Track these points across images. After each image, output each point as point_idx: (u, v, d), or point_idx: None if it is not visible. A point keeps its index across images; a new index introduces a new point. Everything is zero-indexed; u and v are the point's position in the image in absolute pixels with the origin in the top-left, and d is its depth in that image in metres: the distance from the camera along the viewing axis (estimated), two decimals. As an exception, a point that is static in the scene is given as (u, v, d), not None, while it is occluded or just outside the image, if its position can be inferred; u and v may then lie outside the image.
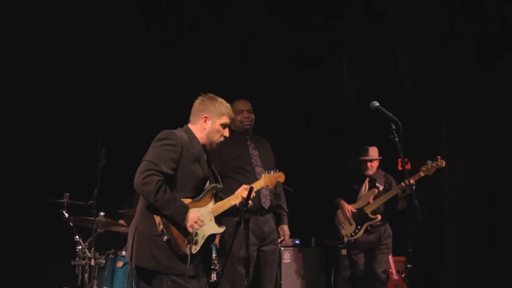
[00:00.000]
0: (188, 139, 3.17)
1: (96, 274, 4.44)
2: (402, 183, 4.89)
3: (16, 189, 5.21)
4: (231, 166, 4.11)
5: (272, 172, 3.60)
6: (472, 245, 5.38)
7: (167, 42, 5.86)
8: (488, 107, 5.42)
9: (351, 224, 5.19)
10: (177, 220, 3.03)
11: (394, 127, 3.28)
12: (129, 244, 3.12)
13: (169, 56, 5.75)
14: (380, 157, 5.23)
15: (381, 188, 5.20)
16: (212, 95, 3.30)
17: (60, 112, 5.44)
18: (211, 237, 3.22)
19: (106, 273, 4.42)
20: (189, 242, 3.06)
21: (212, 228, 3.21)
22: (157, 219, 3.03)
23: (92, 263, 4.41)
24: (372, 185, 5.24)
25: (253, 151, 4.31)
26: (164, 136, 3.13)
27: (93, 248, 4.41)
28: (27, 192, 5.19)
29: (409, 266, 3.69)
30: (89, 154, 4.63)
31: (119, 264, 4.44)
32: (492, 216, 5.30)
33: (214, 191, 3.26)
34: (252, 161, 4.24)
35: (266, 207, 4.17)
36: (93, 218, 4.41)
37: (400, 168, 5.55)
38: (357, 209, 5.19)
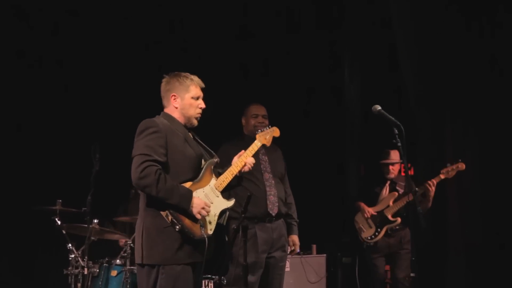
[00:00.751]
0: (168, 122, 3.18)
1: (89, 284, 4.42)
2: (426, 184, 4.91)
3: (6, 195, 5.19)
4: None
5: (264, 130, 3.60)
6: (478, 252, 5.38)
7: (165, 44, 5.87)
8: (495, 110, 5.42)
9: (370, 227, 5.21)
10: (183, 206, 3.02)
11: (396, 131, 3.30)
12: (138, 245, 3.10)
13: (165, 60, 5.75)
14: (401, 161, 5.24)
15: (401, 191, 5.23)
16: (176, 72, 3.30)
17: (52, 115, 5.43)
18: (222, 213, 3.23)
19: (100, 283, 4.41)
20: (202, 226, 3.08)
21: (221, 203, 3.22)
22: (163, 213, 3.03)
23: (85, 272, 4.40)
24: (392, 189, 5.27)
25: (263, 156, 4.33)
26: (145, 125, 3.13)
27: (86, 257, 4.40)
28: (17, 198, 5.18)
29: (412, 275, 3.69)
30: (82, 159, 4.62)
31: (113, 273, 4.43)
32: (499, 222, 5.30)
33: (212, 167, 3.25)
34: (261, 166, 4.26)
35: (274, 214, 4.17)
36: (86, 226, 4.40)
37: (403, 174, 5.56)
38: (377, 212, 5.22)
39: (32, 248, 5.29)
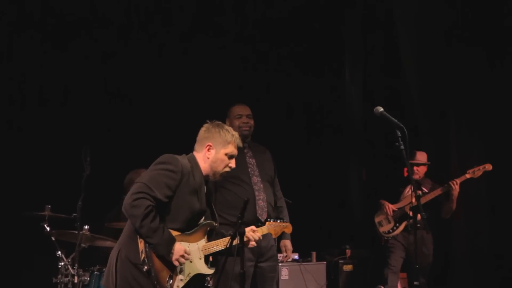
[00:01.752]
0: (190, 167, 3.16)
1: (79, 293, 4.42)
2: (450, 182, 4.98)
3: (-7, 201, 5.19)
4: (225, 176, 4.13)
5: (278, 221, 3.57)
6: (484, 260, 5.40)
7: (159, 45, 5.88)
8: (501, 112, 5.45)
9: (389, 222, 5.29)
10: (160, 251, 3.00)
11: (399, 134, 3.31)
12: (111, 270, 3.10)
13: (158, 60, 5.77)
14: (429, 163, 5.31)
15: (424, 190, 5.27)
16: (218, 122, 3.32)
17: (41, 117, 5.43)
18: (198, 277, 3.16)
19: (91, 292, 4.41)
20: (171, 278, 3.04)
21: (200, 267, 3.17)
22: (141, 246, 3.02)
23: (76, 281, 4.39)
24: (417, 188, 5.26)
25: (250, 159, 4.31)
26: (165, 160, 3.13)
27: (76, 265, 4.38)
28: (4, 204, 5.17)
29: (416, 283, 3.70)
30: (72, 163, 4.62)
31: (105, 281, 4.42)
32: (505, 229, 5.32)
33: (208, 228, 3.25)
34: (249, 170, 4.24)
35: (263, 220, 4.16)
36: (76, 232, 4.39)
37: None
38: (399, 208, 5.30)
39: (20, 256, 5.28)
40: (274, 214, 4.29)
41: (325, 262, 5.77)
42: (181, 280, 3.09)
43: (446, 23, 5.65)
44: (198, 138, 3.30)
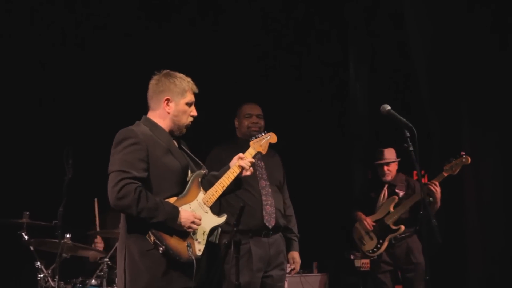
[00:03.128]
0: (150, 131, 3.16)
1: (60, 307, 4.41)
2: (429, 185, 4.88)
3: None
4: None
5: (259, 136, 3.58)
6: (501, 272, 5.40)
7: (145, 42, 5.88)
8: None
9: (371, 239, 5.20)
10: (171, 225, 3.01)
11: (408, 134, 3.31)
12: (120, 270, 3.09)
13: (142, 57, 5.76)
14: (399, 159, 5.24)
15: (401, 194, 5.20)
16: (167, 71, 3.27)
17: (19, 116, 5.41)
18: (213, 230, 3.21)
19: (73, 306, 4.40)
20: (189, 246, 3.06)
21: (211, 220, 3.20)
22: (146, 234, 3.02)
23: (56, 294, 4.39)
24: (391, 192, 5.24)
25: (259, 162, 4.32)
26: (122, 136, 3.10)
27: (57, 276, 4.37)
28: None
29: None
30: (53, 165, 4.61)
31: (88, 294, 4.42)
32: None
33: (199, 179, 3.24)
34: (257, 173, 4.25)
35: (271, 227, 4.16)
36: (57, 241, 4.38)
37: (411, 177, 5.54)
38: (377, 221, 5.19)
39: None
40: (283, 221, 4.29)
41: (326, 274, 5.76)
42: (199, 242, 3.12)
43: (458, 10, 5.65)
44: (149, 94, 3.26)
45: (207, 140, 4.71)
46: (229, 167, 3.33)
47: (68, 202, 4.37)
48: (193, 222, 3.06)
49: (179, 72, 3.30)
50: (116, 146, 3.09)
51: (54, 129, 5.41)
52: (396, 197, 5.17)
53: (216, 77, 5.86)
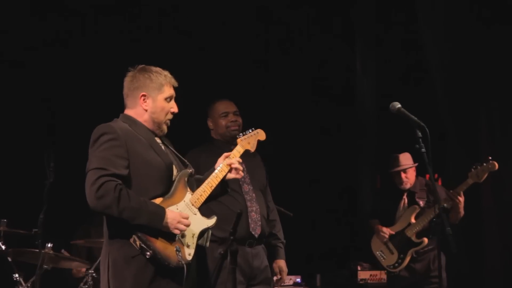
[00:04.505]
0: (129, 126, 3.16)
1: (41, 323, 4.41)
2: (451, 191, 4.87)
3: None
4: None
5: (247, 133, 3.57)
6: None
7: (132, 40, 5.89)
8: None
9: (392, 253, 5.18)
10: (156, 226, 3.00)
11: (420, 134, 3.31)
12: (104, 281, 3.08)
13: (127, 52, 5.76)
14: (416, 164, 5.20)
15: (421, 203, 5.16)
16: (142, 66, 3.27)
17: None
18: (203, 233, 3.21)
19: (54, 322, 4.39)
20: (179, 250, 3.06)
21: (200, 222, 3.20)
22: (131, 239, 3.01)
23: (36, 309, 4.38)
24: (411, 200, 5.21)
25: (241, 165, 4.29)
26: (99, 133, 3.09)
27: (37, 290, 4.38)
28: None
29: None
30: (32, 169, 4.60)
31: (71, 309, 4.42)
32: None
33: (186, 178, 3.24)
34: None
35: (256, 235, 4.15)
36: (37, 251, 4.38)
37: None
38: (397, 233, 5.17)
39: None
40: (268, 229, 4.28)
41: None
42: (188, 246, 3.13)
43: (475, 7, 5.66)
44: (125, 92, 3.26)
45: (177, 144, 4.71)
46: (214, 170, 3.33)
47: (49, 209, 4.37)
48: (179, 222, 3.05)
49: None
50: (93, 144, 3.09)
51: (34, 130, 5.40)
52: (417, 207, 5.13)
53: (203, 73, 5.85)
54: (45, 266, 4.43)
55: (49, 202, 4.37)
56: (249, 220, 4.12)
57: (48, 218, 4.37)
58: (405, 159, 5.24)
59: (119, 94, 3.33)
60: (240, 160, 3.39)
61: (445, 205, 4.81)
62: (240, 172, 3.37)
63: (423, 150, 3.30)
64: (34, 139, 5.25)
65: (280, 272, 4.36)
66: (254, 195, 4.23)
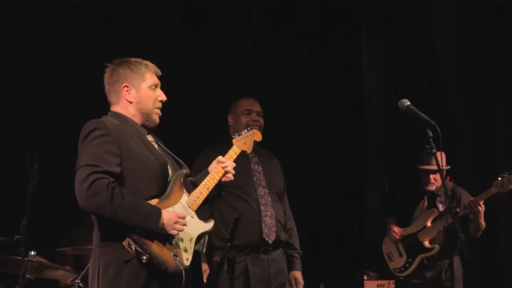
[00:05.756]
0: (119, 122, 3.17)
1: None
2: (472, 205, 4.82)
3: None
4: (224, 185, 4.10)
5: (242, 133, 3.61)
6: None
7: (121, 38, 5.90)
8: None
9: (401, 255, 5.18)
10: (151, 228, 2.99)
11: (431, 134, 3.32)
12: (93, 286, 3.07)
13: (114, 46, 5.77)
14: (448, 167, 5.15)
15: (441, 207, 5.13)
16: (121, 59, 3.29)
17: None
18: (200, 238, 3.21)
19: (38, 335, 4.40)
20: (176, 254, 3.06)
21: (198, 226, 3.21)
22: (125, 242, 3.00)
23: (19, 322, 4.38)
24: (432, 203, 5.18)
25: (256, 166, 4.32)
26: (89, 128, 3.09)
27: (20, 301, 4.38)
28: None
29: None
30: (14, 171, 4.60)
31: (56, 322, 4.42)
32: None
33: (182, 179, 3.24)
34: (254, 179, 4.25)
35: (271, 242, 4.16)
36: (20, 259, 4.38)
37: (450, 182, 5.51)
38: (409, 235, 5.16)
39: None
40: (284, 235, 4.29)
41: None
42: (186, 251, 3.13)
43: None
44: (106, 88, 3.28)
45: (194, 141, 4.72)
46: (208, 172, 3.35)
47: (33, 214, 4.36)
48: (176, 223, 3.05)
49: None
50: (83, 140, 3.08)
51: (16, 129, 5.40)
52: (436, 210, 5.10)
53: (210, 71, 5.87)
54: (28, 276, 4.42)
55: (33, 206, 4.36)
56: (263, 225, 4.14)
57: (32, 224, 4.36)
58: (440, 159, 5.21)
59: (104, 93, 3.34)
60: (235, 165, 3.40)
61: (457, 209, 4.81)
62: (231, 176, 3.37)
63: (434, 150, 3.30)
64: (16, 138, 5.25)
65: (296, 284, 4.38)
66: (269, 199, 4.25)
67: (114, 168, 3.02)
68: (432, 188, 5.18)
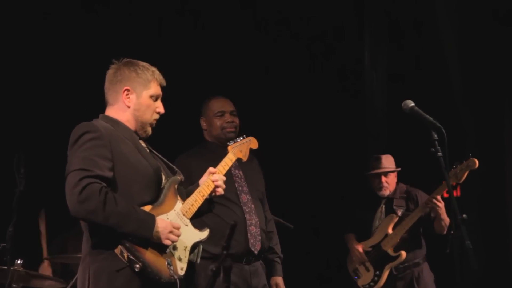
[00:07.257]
0: (111, 126, 3.17)
1: None
2: (431, 201, 4.83)
3: None
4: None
5: (238, 140, 3.61)
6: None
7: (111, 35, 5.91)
8: None
9: (367, 270, 5.17)
10: (145, 235, 3.00)
11: (436, 137, 3.31)
12: None
13: (106, 43, 5.78)
14: (399, 169, 5.21)
15: (399, 212, 5.14)
16: (129, 59, 3.29)
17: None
18: (194, 247, 3.23)
19: None
20: (170, 263, 3.07)
21: (193, 234, 3.23)
22: (117, 250, 3.00)
23: (4, 334, 4.38)
24: (389, 209, 5.20)
25: (237, 171, 4.31)
26: (80, 131, 3.09)
27: (5, 313, 4.38)
28: None
29: None
30: (0, 176, 4.59)
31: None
32: None
33: (176, 186, 3.25)
34: (236, 185, 4.25)
35: (256, 251, 4.16)
36: (5, 268, 4.37)
37: (446, 194, 5.55)
38: (373, 247, 5.16)
39: None
40: (267, 243, 4.29)
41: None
42: (180, 260, 3.14)
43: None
44: (106, 86, 3.28)
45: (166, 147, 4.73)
46: (198, 186, 3.36)
47: (19, 220, 4.36)
48: (170, 232, 3.06)
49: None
50: (74, 143, 3.09)
51: (1, 132, 5.40)
52: (395, 216, 5.11)
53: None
54: (14, 286, 4.42)
55: (19, 213, 4.37)
56: (248, 234, 4.14)
57: (18, 231, 4.37)
58: (388, 161, 5.25)
59: (95, 94, 3.34)
60: (224, 178, 3.40)
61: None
62: (221, 190, 3.37)
63: (440, 154, 3.30)
64: (2, 142, 5.25)
65: None
66: (253, 206, 4.26)
67: (106, 172, 3.02)
68: (386, 192, 5.24)
